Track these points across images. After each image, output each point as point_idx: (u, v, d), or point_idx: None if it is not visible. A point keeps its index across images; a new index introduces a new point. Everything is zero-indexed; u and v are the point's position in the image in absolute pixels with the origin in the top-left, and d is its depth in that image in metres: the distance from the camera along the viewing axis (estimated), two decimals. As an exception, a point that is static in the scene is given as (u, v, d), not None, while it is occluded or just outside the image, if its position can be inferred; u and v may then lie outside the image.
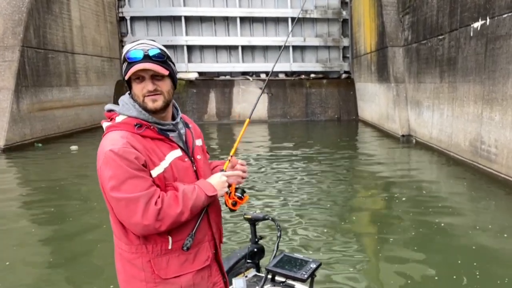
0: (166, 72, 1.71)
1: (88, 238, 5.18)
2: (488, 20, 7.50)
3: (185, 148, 1.81)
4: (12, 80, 11.65)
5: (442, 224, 5.30)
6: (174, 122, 1.82)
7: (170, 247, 1.71)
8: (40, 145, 11.99)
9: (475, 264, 4.19)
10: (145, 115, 1.72)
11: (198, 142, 1.94)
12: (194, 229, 1.75)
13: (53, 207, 6.37)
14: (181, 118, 1.90)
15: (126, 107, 1.74)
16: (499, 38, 7.10)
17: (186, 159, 1.79)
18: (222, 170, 1.93)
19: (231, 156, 1.97)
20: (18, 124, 11.80)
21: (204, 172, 1.86)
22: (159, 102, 1.72)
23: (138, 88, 1.71)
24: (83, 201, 6.74)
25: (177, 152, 1.76)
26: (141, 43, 1.72)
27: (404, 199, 6.50)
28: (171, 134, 1.79)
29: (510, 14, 6.78)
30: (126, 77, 1.70)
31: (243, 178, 1.94)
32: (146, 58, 1.66)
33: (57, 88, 13.79)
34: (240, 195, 1.92)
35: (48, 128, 13.08)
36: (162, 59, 1.70)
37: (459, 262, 4.23)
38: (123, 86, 16.90)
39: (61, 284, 4.09)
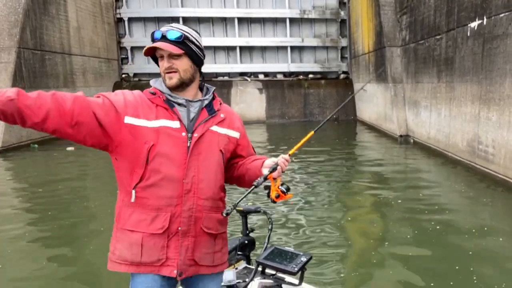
0: (179, 52, 1.85)
1: (85, 240, 5.13)
2: (485, 19, 7.47)
3: (185, 123, 1.89)
4: (8, 82, 11.61)
5: (438, 227, 5.23)
6: (186, 99, 1.93)
7: (132, 200, 1.84)
8: (36, 146, 11.95)
9: (471, 269, 4.12)
10: (163, 87, 1.93)
11: (221, 130, 1.98)
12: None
13: (50, 210, 6.32)
14: (210, 102, 1.99)
15: (155, 81, 1.98)
16: (496, 37, 7.07)
17: (184, 134, 1.88)
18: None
19: (288, 155, 2.10)
20: (14, 126, 11.72)
21: (203, 152, 1.90)
22: (174, 80, 1.89)
23: (160, 65, 1.91)
24: (80, 201, 6.69)
25: (173, 123, 1.87)
26: (166, 26, 1.92)
27: (400, 200, 6.45)
28: (179, 108, 1.91)
29: (507, 13, 6.74)
30: (145, 54, 1.90)
31: (282, 170, 2.01)
32: (163, 38, 1.86)
33: (54, 90, 13.65)
34: (284, 189, 1.98)
35: (45, 129, 13.00)
36: (179, 40, 1.86)
37: (457, 267, 4.16)
38: (121, 87, 16.89)
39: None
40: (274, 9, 18.92)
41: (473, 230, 5.13)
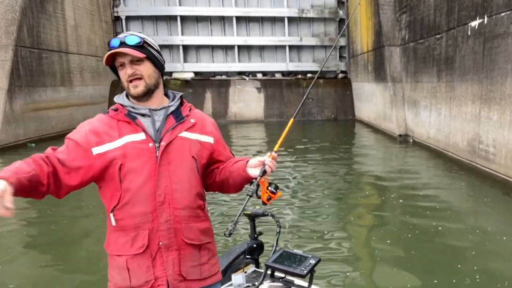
0: (141, 55, 1.79)
1: (82, 240, 5.08)
2: (486, 18, 7.43)
3: (151, 133, 1.82)
4: (5, 80, 11.50)
5: (440, 228, 5.19)
6: (150, 108, 1.86)
7: (113, 224, 1.81)
8: (33, 145, 11.86)
9: (475, 268, 4.09)
10: (124, 100, 1.87)
11: (192, 135, 1.89)
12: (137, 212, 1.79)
13: (48, 209, 6.24)
14: (177, 109, 1.92)
15: (117, 97, 1.92)
16: (497, 37, 7.03)
17: (151, 144, 1.81)
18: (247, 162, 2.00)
19: (275, 152, 2.07)
20: (11, 124, 11.65)
21: (173, 160, 1.83)
22: (140, 88, 1.81)
23: (122, 75, 1.83)
24: (77, 202, 6.61)
25: (137, 136, 1.81)
26: (122, 33, 1.85)
27: (401, 200, 6.42)
28: (142, 119, 1.84)
29: (508, 12, 6.70)
30: (106, 63, 1.82)
31: (272, 170, 1.98)
32: (122, 44, 1.78)
33: (51, 88, 13.64)
34: (273, 190, 1.97)
35: (42, 128, 12.94)
36: (139, 44, 1.80)
37: (459, 266, 4.13)
38: (119, 86, 16.79)
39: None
40: (273, 8, 18.85)
41: (477, 230, 5.10)
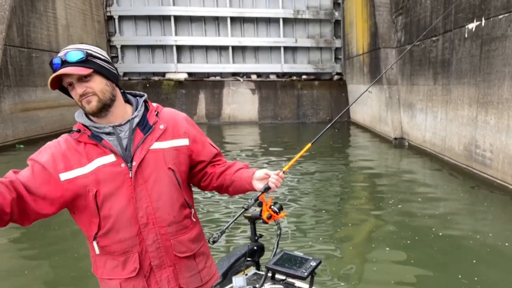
0: (86, 72, 1.62)
1: (73, 245, 4.92)
2: (483, 21, 7.30)
3: (121, 154, 1.69)
4: (-7, 80, 11.28)
5: (440, 234, 5.09)
6: (113, 125, 1.71)
7: (97, 252, 1.73)
8: (22, 146, 11.62)
9: (476, 278, 3.95)
10: (84, 119, 1.72)
11: (164, 144, 1.76)
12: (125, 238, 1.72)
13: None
14: (143, 117, 1.77)
15: (78, 113, 1.76)
16: (495, 39, 6.90)
17: (123, 165, 1.69)
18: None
19: (282, 172, 1.98)
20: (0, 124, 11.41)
21: (149, 177, 1.71)
22: (94, 103, 1.65)
23: (73, 95, 1.67)
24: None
25: (107, 158, 1.68)
26: (63, 50, 1.68)
27: (400, 205, 6.29)
28: (108, 138, 1.70)
29: (506, 15, 6.58)
30: (52, 87, 1.66)
31: (276, 186, 1.93)
32: (65, 63, 1.63)
33: (42, 88, 13.38)
34: (276, 209, 1.97)
35: (32, 129, 12.68)
36: (82, 59, 1.63)
37: (459, 276, 4.00)
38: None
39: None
40: (268, 9, 18.69)
41: (478, 236, 4.99)
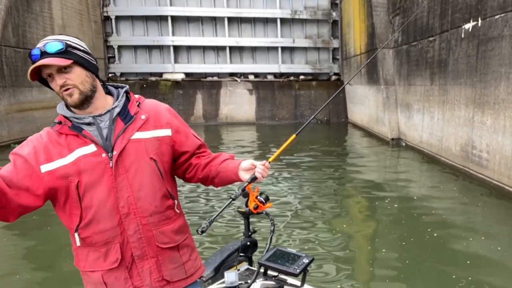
0: (66, 62, 1.62)
1: (66, 246, 4.86)
2: (480, 21, 7.27)
3: (101, 143, 1.69)
4: (-12, 80, 11.22)
5: (435, 234, 5.07)
6: (93, 115, 1.71)
7: (78, 244, 1.72)
8: (16, 146, 11.55)
9: (470, 278, 3.94)
10: (65, 111, 1.72)
11: (146, 134, 1.76)
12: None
13: (33, 214, 5.97)
14: (124, 108, 1.77)
15: (59, 105, 1.76)
16: (491, 40, 6.87)
17: (103, 155, 1.69)
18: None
19: (268, 162, 2.00)
20: (-5, 125, 11.37)
21: (130, 167, 1.71)
22: (75, 96, 1.66)
23: (53, 87, 1.67)
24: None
25: (88, 148, 1.68)
26: (42, 41, 1.66)
27: (396, 205, 6.28)
28: (88, 129, 1.70)
29: (502, 15, 6.55)
30: (31, 79, 1.65)
31: (263, 176, 1.94)
32: (44, 54, 1.61)
33: (37, 89, 13.33)
34: (262, 199, 1.99)
35: (28, 129, 12.61)
36: (61, 50, 1.62)
37: (454, 276, 3.98)
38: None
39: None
40: (265, 9, 18.64)
41: (471, 238, 4.97)
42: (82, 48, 1.70)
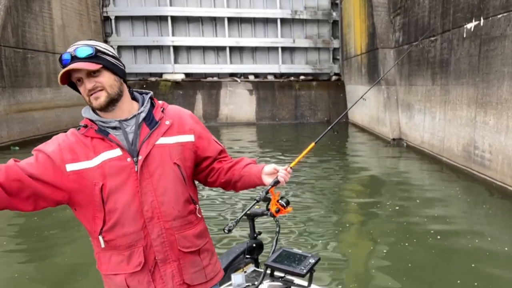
0: (96, 67, 1.66)
1: (68, 249, 4.85)
2: (482, 20, 7.22)
3: (127, 148, 1.72)
4: (-13, 81, 11.17)
5: (439, 237, 5.00)
6: (119, 120, 1.73)
7: (102, 246, 1.74)
8: (17, 148, 11.50)
9: (476, 284, 3.85)
10: (91, 114, 1.74)
11: (170, 139, 1.79)
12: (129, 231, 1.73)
13: (34, 215, 5.92)
14: (149, 113, 1.80)
15: (85, 109, 1.79)
16: (494, 39, 6.82)
17: (129, 159, 1.71)
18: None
19: (290, 167, 2.05)
20: (-6, 127, 11.31)
21: (155, 172, 1.73)
22: (102, 99, 1.69)
23: (82, 91, 1.70)
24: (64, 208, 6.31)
25: (114, 152, 1.70)
26: (72, 46, 1.71)
27: (398, 207, 6.21)
28: (115, 133, 1.73)
29: (505, 14, 6.50)
30: (61, 83, 1.67)
31: (283, 183, 1.99)
32: (74, 59, 1.66)
33: (37, 89, 13.29)
34: (283, 203, 2.03)
35: (27, 130, 12.57)
36: (91, 55, 1.67)
37: (458, 281, 3.90)
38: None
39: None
40: (265, 9, 18.62)
41: (476, 240, 4.90)
42: (111, 53, 1.74)
